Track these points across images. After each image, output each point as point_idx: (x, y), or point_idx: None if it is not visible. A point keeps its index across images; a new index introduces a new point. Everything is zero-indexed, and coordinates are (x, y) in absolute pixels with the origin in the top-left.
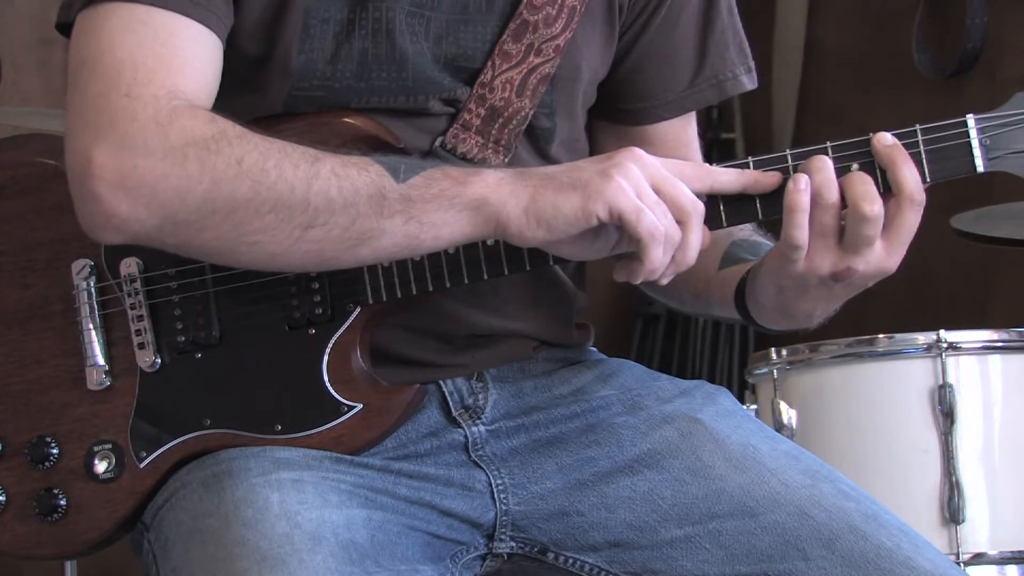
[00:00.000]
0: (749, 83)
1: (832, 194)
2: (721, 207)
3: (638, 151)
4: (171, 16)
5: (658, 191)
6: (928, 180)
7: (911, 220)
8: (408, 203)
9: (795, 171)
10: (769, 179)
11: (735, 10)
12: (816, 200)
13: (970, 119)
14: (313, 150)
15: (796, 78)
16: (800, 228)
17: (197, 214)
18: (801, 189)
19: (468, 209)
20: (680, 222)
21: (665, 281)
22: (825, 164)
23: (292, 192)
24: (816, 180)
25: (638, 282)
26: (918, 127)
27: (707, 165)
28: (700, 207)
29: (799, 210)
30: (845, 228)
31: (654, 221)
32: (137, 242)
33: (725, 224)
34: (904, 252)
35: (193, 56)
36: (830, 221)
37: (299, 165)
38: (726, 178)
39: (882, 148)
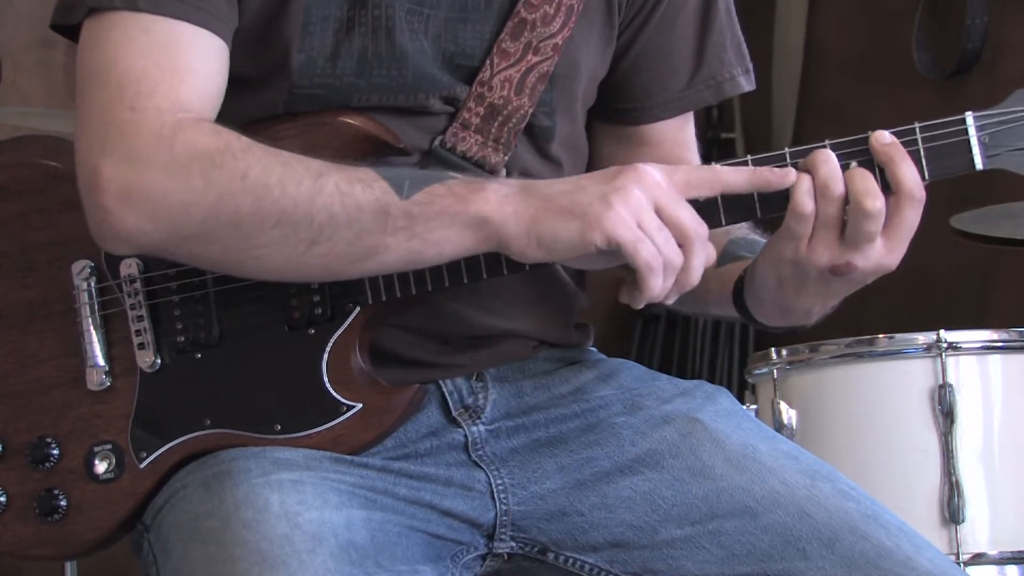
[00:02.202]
0: (747, 84)
1: (838, 186)
2: (720, 206)
3: (643, 169)
4: (173, 24)
5: (660, 214)
6: (927, 178)
7: (911, 217)
8: (411, 220)
9: (796, 168)
10: (779, 177)
11: (733, 11)
12: (822, 192)
13: (969, 117)
14: (319, 163)
15: (796, 78)
16: (807, 194)
17: (203, 227)
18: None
19: (470, 227)
20: (682, 245)
21: (670, 302)
22: (830, 157)
23: (295, 208)
24: (822, 172)
25: (640, 307)
26: (917, 125)
27: (713, 168)
28: (704, 230)
29: (805, 177)
30: (847, 223)
31: (652, 251)
32: (146, 253)
33: (724, 223)
34: (905, 249)
35: (196, 63)
36: (834, 212)
37: (303, 181)
38: (734, 178)
39: (880, 146)
